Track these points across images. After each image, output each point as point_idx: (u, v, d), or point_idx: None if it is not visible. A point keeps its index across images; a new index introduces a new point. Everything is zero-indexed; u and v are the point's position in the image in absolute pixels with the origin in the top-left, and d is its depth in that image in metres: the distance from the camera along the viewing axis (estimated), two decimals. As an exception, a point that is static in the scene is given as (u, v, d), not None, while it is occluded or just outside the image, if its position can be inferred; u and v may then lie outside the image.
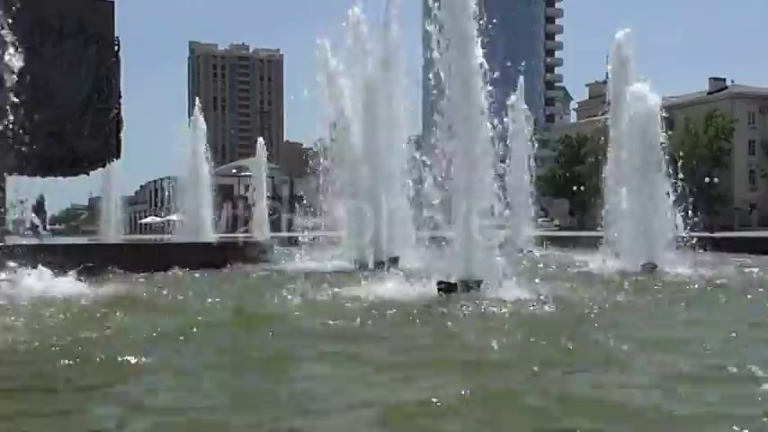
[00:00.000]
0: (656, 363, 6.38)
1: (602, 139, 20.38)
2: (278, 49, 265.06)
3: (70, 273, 12.23)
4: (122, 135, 17.84)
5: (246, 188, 58.33)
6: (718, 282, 13.86)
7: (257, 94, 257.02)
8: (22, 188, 13.99)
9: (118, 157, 18.11)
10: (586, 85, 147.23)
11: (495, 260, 11.12)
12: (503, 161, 11.78)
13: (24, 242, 12.48)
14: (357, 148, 19.94)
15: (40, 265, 11.91)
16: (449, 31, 11.66)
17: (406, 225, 18.63)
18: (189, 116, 36.05)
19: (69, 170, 17.55)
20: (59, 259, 12.27)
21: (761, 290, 12.49)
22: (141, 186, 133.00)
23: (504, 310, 9.28)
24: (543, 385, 5.52)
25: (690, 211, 17.77)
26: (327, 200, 21.24)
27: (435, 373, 6.00)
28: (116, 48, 17.71)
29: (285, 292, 11.63)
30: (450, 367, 6.26)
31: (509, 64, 11.90)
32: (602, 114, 19.97)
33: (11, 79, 12.11)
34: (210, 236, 32.40)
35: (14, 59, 12.00)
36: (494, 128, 11.66)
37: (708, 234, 37.43)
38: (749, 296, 11.64)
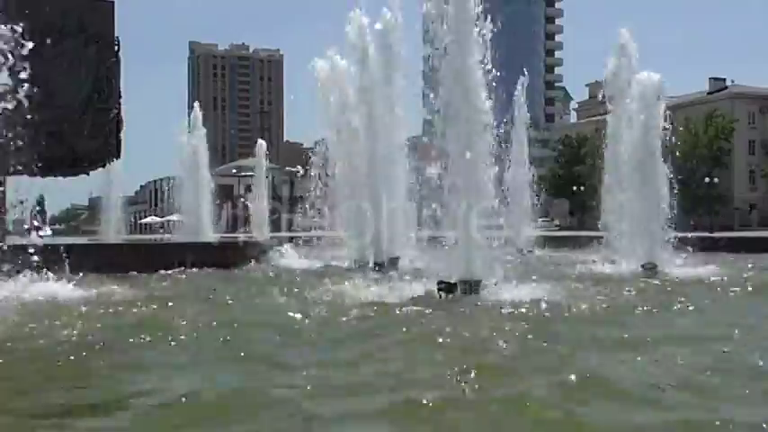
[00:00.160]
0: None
1: (603, 132, 20.36)
2: (278, 49, 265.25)
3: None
4: (122, 135, 17.83)
5: (247, 188, 58.38)
6: (714, 280, 13.88)
7: (257, 94, 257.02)
8: (22, 188, 13.97)
9: (118, 157, 18.09)
10: (586, 85, 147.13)
11: (496, 260, 11.13)
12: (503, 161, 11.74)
13: (38, 243, 12.46)
14: (357, 148, 19.96)
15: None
16: (448, 31, 11.64)
17: (406, 225, 18.64)
18: (189, 116, 36.09)
19: (69, 170, 17.54)
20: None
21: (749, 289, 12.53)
22: (141, 186, 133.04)
23: (503, 310, 9.30)
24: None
25: (689, 212, 17.81)
26: (327, 200, 21.28)
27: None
28: (116, 48, 17.69)
29: (281, 291, 11.63)
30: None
31: (503, 74, 11.82)
32: (602, 98, 19.96)
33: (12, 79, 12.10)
34: (210, 236, 32.43)
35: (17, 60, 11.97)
36: (493, 127, 11.66)
37: (708, 234, 37.47)
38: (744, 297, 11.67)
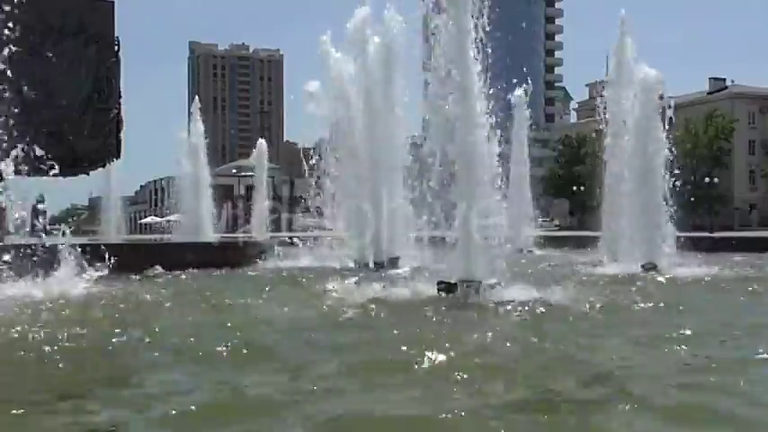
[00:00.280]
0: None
1: (603, 127, 20.40)
2: (278, 49, 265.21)
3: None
4: (122, 135, 17.84)
5: (248, 189, 58.40)
6: (714, 280, 13.89)
7: (257, 94, 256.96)
8: (23, 188, 13.97)
9: (118, 157, 18.10)
10: (586, 85, 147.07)
11: (496, 260, 11.12)
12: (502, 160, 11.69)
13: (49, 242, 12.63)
14: (357, 147, 19.97)
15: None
16: (448, 29, 11.62)
17: (406, 225, 18.64)
18: (189, 116, 36.13)
19: (69, 170, 17.53)
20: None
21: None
22: (141, 186, 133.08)
23: (502, 311, 9.30)
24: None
25: (689, 211, 17.82)
26: (327, 200, 21.29)
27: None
28: (116, 48, 17.70)
29: (280, 291, 11.64)
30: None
31: (503, 85, 11.78)
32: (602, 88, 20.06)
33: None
34: (210, 236, 32.43)
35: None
36: (492, 127, 11.64)
37: (707, 234, 37.53)
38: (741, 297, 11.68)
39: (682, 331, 7.68)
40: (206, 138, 35.74)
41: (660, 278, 14.87)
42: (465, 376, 5.67)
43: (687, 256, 17.16)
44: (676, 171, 17.67)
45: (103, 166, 18.56)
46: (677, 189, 17.60)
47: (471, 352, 6.69)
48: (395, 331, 7.90)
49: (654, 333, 7.83)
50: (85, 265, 12.32)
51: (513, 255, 18.86)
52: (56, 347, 6.84)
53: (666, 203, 17.28)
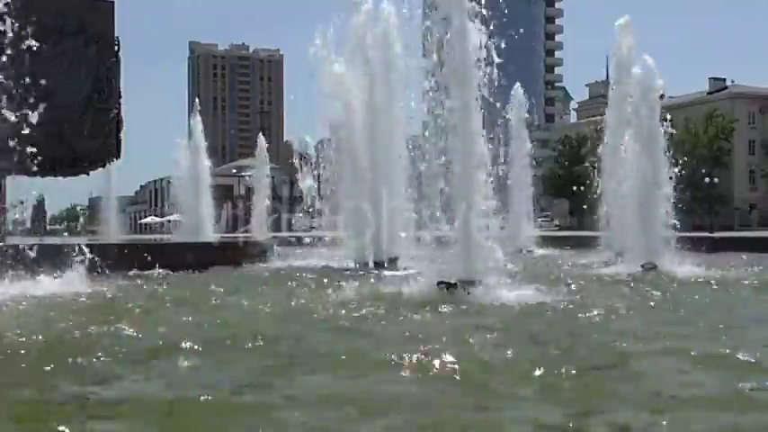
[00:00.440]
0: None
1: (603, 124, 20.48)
2: (278, 49, 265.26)
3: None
4: (122, 135, 17.86)
5: (248, 189, 58.42)
6: (714, 280, 13.88)
7: (257, 94, 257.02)
8: (22, 188, 14.00)
9: (118, 157, 18.12)
10: (586, 85, 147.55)
11: (496, 260, 11.11)
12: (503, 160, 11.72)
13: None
14: (357, 147, 19.97)
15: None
16: (447, 27, 11.62)
17: (406, 225, 18.64)
18: (189, 116, 36.17)
19: (69, 170, 17.56)
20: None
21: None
22: (141, 186, 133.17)
23: (502, 310, 9.30)
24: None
25: (690, 211, 17.85)
26: (326, 200, 21.30)
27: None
28: (116, 48, 17.72)
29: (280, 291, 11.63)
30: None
31: (503, 85, 11.79)
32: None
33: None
34: (210, 236, 32.46)
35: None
36: (493, 127, 11.66)
37: (707, 234, 37.50)
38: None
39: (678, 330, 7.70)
40: (206, 140, 35.81)
41: (660, 278, 14.87)
42: (465, 376, 5.68)
43: (687, 256, 17.15)
44: (675, 171, 17.69)
45: (103, 166, 18.59)
46: (677, 189, 17.64)
47: (471, 351, 6.70)
48: (393, 331, 7.90)
49: (654, 332, 7.84)
50: (85, 265, 12.35)
51: (512, 254, 18.90)
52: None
53: (669, 203, 17.33)
